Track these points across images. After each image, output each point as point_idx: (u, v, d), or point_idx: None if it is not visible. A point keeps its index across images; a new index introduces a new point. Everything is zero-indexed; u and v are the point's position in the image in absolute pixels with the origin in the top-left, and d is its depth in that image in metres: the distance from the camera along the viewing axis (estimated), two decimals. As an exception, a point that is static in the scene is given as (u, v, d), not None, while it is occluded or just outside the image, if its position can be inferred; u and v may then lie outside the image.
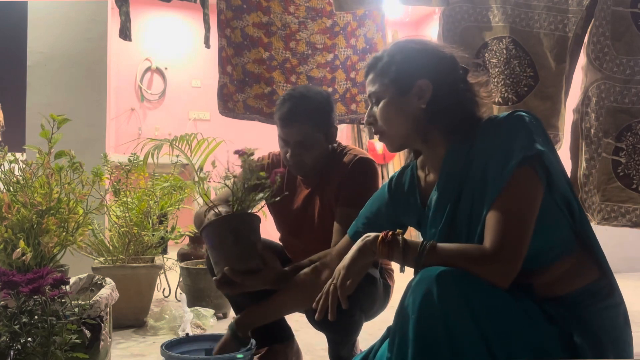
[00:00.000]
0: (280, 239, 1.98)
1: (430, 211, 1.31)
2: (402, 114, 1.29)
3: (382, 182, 1.64)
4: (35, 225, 2.03)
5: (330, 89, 2.67)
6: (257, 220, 1.48)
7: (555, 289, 1.19)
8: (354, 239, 1.40)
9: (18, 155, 2.34)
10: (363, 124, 2.96)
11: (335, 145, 1.85)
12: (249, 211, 1.46)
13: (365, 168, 1.77)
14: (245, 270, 1.43)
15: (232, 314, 2.76)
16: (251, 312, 1.54)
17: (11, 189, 2.13)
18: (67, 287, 1.43)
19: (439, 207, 1.28)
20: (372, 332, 2.01)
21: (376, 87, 1.32)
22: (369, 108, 1.35)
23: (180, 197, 3.01)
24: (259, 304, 1.52)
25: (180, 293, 3.10)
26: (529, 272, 1.18)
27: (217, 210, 1.45)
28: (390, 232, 1.16)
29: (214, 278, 1.47)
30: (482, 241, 1.13)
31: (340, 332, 1.69)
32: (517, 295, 1.12)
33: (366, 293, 1.65)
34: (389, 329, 1.18)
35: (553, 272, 1.19)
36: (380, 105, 1.31)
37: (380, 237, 1.17)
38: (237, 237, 1.42)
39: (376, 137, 1.37)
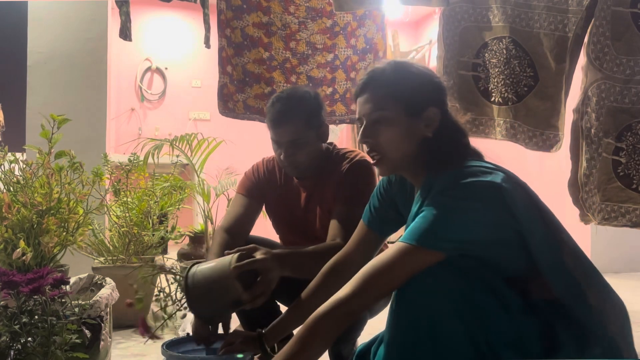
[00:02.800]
0: (281, 240, 1.98)
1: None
2: (408, 138, 1.24)
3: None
4: (35, 225, 2.03)
5: (330, 89, 2.67)
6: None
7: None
8: (366, 223, 1.45)
9: (18, 155, 2.35)
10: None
11: (330, 147, 1.85)
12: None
13: (363, 169, 1.76)
14: (253, 297, 1.40)
15: (232, 314, 2.76)
16: (277, 325, 1.52)
17: (11, 189, 2.13)
18: (67, 287, 1.44)
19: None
20: (373, 333, 2.01)
21: (377, 105, 1.25)
22: (362, 127, 1.27)
23: (181, 197, 3.01)
24: (283, 316, 1.51)
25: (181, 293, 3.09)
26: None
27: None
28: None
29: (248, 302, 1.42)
30: None
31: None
32: (500, 290, 1.14)
33: None
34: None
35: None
36: (386, 126, 1.24)
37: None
38: (214, 281, 1.39)
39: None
